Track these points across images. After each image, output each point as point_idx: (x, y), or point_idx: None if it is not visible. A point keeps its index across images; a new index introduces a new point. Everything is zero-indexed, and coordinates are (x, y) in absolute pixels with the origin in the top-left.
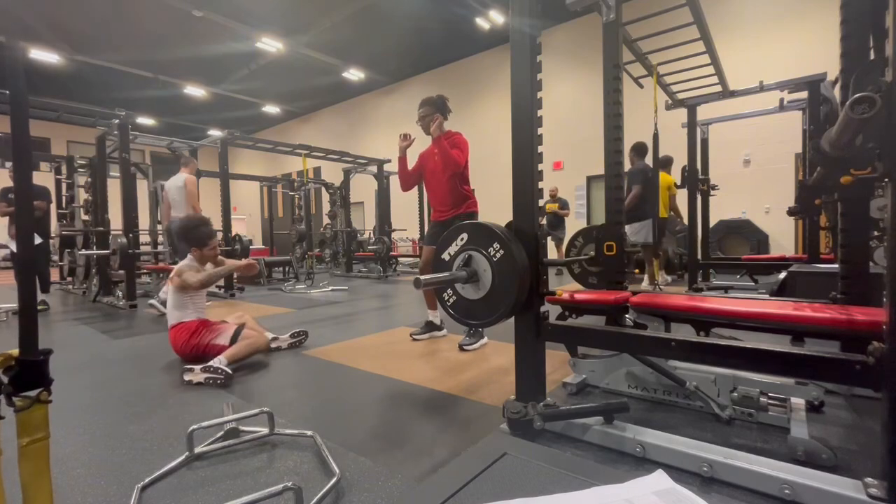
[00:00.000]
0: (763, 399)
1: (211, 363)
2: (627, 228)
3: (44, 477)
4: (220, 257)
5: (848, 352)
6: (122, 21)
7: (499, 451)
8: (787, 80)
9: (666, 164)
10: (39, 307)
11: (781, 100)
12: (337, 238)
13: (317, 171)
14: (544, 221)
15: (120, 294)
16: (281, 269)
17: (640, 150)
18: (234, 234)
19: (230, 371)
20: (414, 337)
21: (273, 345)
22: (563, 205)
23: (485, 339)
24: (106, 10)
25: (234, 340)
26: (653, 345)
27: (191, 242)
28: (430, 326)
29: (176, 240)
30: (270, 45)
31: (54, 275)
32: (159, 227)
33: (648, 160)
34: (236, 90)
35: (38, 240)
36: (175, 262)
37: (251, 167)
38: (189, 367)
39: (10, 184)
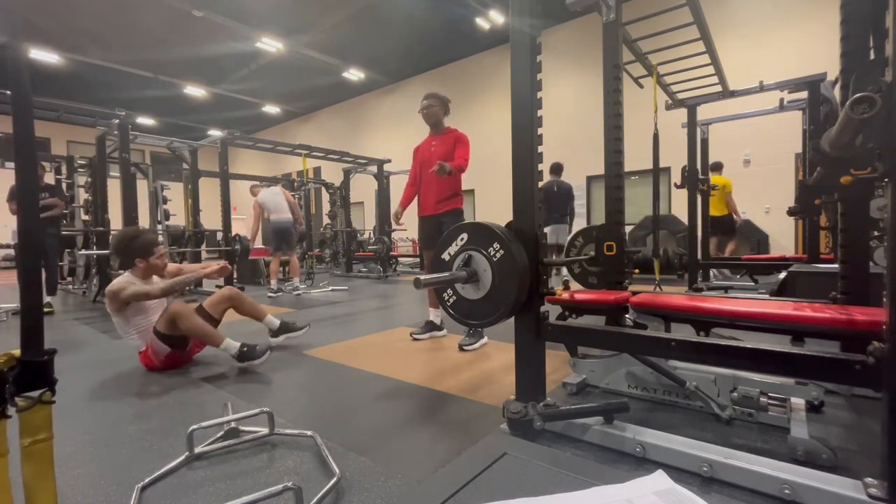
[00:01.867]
0: (763, 399)
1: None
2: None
3: (47, 478)
4: (170, 266)
5: (848, 352)
6: (122, 21)
7: (499, 451)
8: (787, 80)
9: (717, 167)
10: (45, 310)
11: (781, 100)
12: (337, 238)
13: (317, 171)
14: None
15: None
16: (281, 269)
17: (555, 168)
18: (234, 234)
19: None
20: (415, 336)
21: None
22: None
23: (485, 339)
24: (106, 10)
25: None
26: (653, 345)
27: (135, 254)
28: (430, 326)
29: (116, 256)
30: (270, 45)
31: None
32: (159, 227)
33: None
34: (236, 90)
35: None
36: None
37: (251, 167)
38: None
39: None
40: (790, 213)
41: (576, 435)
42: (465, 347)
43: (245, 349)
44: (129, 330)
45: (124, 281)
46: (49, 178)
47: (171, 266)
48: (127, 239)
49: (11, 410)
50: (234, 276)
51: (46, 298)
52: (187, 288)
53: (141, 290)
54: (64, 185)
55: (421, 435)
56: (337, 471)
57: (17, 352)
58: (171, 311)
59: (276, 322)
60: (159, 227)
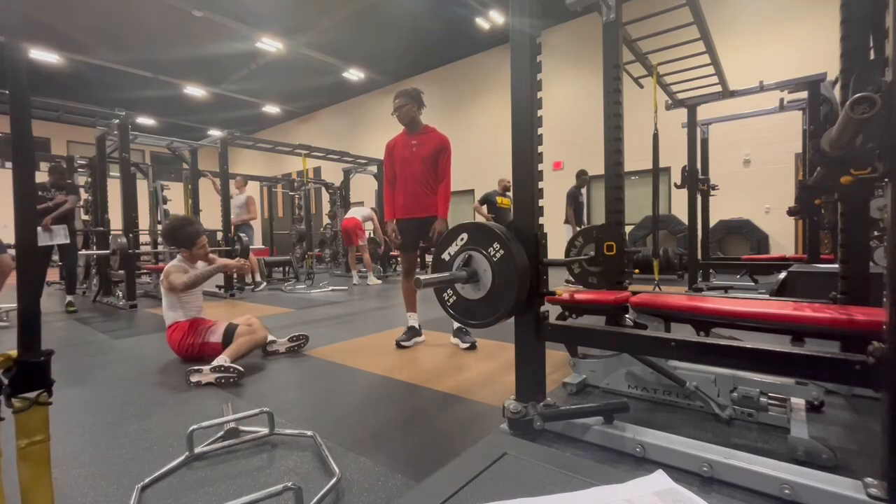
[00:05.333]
0: (763, 399)
1: (218, 362)
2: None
3: (44, 480)
4: (212, 255)
5: (848, 352)
6: (122, 21)
7: (499, 451)
8: (787, 80)
9: None
10: (69, 309)
11: (781, 100)
12: (337, 238)
13: (317, 171)
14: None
15: (120, 294)
16: (281, 269)
17: (580, 175)
18: (234, 234)
19: (241, 369)
20: (401, 344)
21: (270, 348)
22: None
23: (421, 338)
24: (106, 10)
25: (227, 338)
26: (653, 345)
27: (179, 243)
28: (413, 332)
29: (166, 242)
30: (270, 45)
31: (53, 275)
32: (159, 227)
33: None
34: (236, 90)
35: (64, 238)
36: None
37: (251, 167)
38: (196, 368)
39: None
40: (790, 213)
41: (576, 435)
42: (403, 343)
43: (222, 377)
44: (177, 304)
45: (173, 265)
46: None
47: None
48: (174, 229)
49: (6, 412)
50: (234, 276)
51: (67, 298)
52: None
53: (172, 283)
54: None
55: (421, 435)
56: (337, 471)
57: (13, 352)
58: (259, 334)
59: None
60: (159, 227)
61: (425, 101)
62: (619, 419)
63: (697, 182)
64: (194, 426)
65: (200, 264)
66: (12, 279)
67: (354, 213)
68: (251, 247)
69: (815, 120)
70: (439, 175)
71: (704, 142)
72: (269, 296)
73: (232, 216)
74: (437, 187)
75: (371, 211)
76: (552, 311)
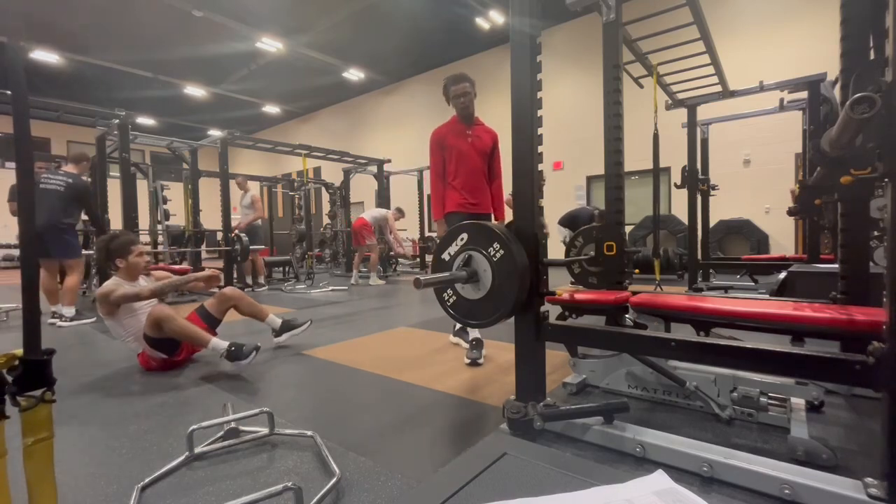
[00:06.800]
0: (763, 399)
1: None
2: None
3: (48, 476)
4: (157, 272)
5: (848, 352)
6: (122, 21)
7: (499, 451)
8: (787, 80)
9: None
10: None
11: (781, 100)
12: (337, 238)
13: (317, 171)
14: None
15: None
16: (281, 269)
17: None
18: (234, 234)
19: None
20: (477, 361)
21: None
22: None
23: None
24: (106, 11)
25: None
26: (653, 345)
27: (113, 255)
28: (479, 343)
29: (100, 262)
30: (270, 45)
31: None
32: (159, 227)
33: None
34: (236, 90)
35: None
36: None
37: (251, 167)
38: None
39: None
40: (790, 213)
41: (576, 435)
42: (478, 361)
43: (233, 349)
44: (122, 333)
45: (113, 283)
46: None
47: (160, 272)
48: (105, 242)
49: (11, 410)
50: (234, 278)
51: None
52: (180, 290)
53: (130, 292)
54: None
55: (421, 435)
56: (337, 471)
57: (18, 352)
58: (154, 315)
59: (278, 321)
60: (159, 227)
61: (425, 102)
62: (619, 419)
63: (697, 182)
64: (194, 426)
65: (141, 280)
66: (9, 279)
67: (366, 214)
68: (259, 247)
69: (815, 120)
70: (494, 172)
71: (704, 142)
72: (269, 296)
73: (239, 218)
74: (490, 184)
75: (388, 213)
76: (552, 311)
